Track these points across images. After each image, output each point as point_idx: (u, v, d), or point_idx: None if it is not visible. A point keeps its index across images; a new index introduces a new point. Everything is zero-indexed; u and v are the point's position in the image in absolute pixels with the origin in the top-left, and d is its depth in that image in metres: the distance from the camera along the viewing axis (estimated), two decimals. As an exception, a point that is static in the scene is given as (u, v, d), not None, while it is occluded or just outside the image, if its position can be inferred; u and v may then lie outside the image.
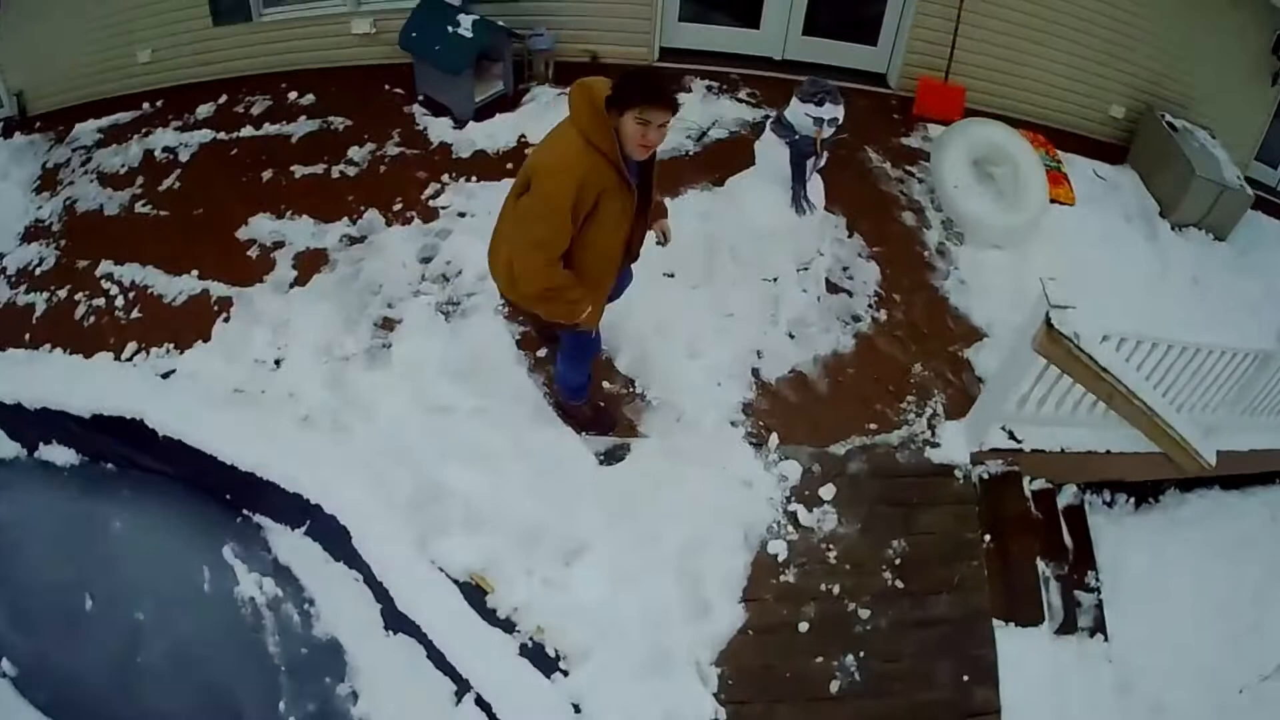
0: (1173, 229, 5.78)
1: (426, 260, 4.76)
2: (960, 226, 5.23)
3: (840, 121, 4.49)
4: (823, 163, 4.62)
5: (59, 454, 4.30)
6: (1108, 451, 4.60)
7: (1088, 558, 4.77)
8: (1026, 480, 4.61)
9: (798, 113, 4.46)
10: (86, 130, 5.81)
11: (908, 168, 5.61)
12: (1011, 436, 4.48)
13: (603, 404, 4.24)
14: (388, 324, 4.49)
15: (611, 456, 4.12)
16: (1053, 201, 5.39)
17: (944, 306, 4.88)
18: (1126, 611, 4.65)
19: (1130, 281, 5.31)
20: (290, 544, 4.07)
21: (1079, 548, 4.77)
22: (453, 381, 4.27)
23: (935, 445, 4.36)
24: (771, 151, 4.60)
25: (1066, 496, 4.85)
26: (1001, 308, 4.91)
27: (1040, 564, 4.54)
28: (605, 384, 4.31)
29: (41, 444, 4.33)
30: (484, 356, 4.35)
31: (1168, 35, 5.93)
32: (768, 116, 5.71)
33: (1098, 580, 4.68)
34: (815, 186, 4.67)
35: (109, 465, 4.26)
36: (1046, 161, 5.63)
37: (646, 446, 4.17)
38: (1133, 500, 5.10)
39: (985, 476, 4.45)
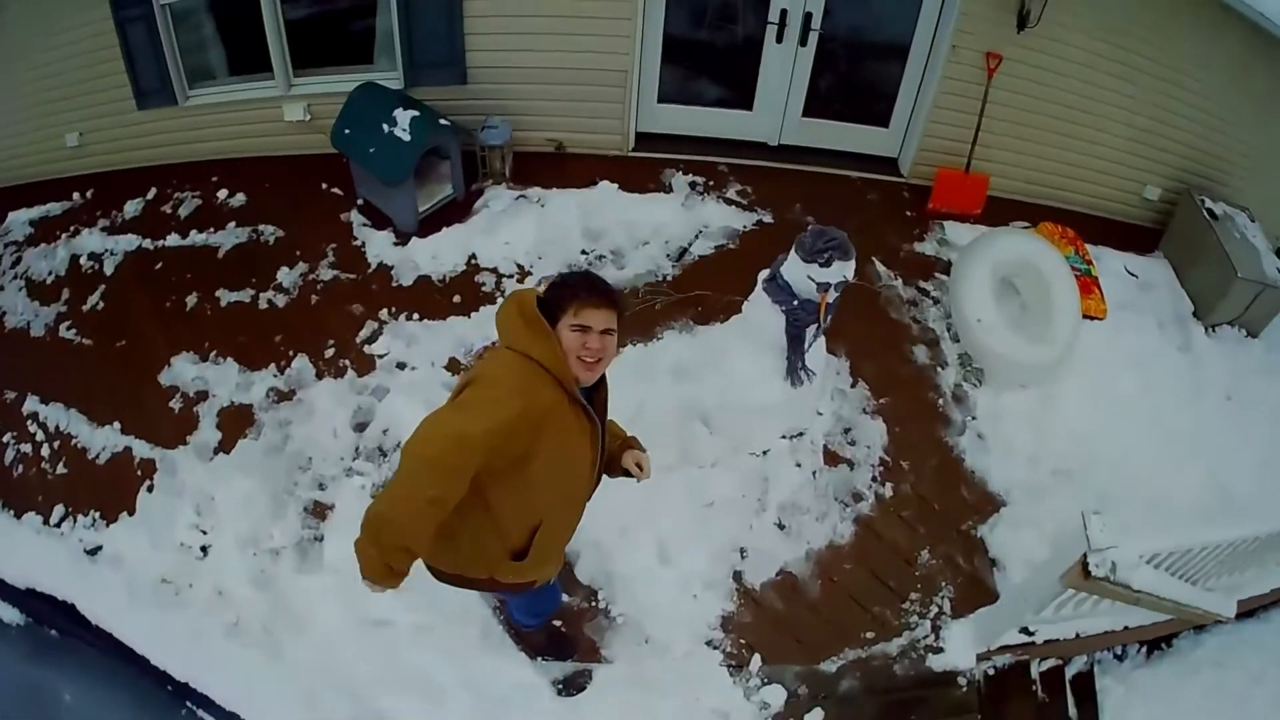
0: (1206, 331, 4.87)
1: (360, 428, 3.93)
2: (980, 362, 4.26)
3: (850, 279, 3.46)
4: (827, 324, 3.61)
5: (5, 611, 3.89)
6: (1125, 628, 3.87)
7: (1093, 728, 4.14)
8: (1035, 663, 3.89)
9: (798, 274, 3.39)
10: (18, 222, 5.21)
11: (921, 284, 4.58)
12: (1024, 631, 3.67)
13: (560, 625, 3.47)
14: (319, 510, 3.74)
15: (571, 685, 3.37)
16: (1084, 317, 4.40)
17: (958, 470, 3.99)
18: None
19: (1162, 405, 4.44)
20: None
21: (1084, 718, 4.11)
22: (391, 593, 3.53)
23: (938, 651, 3.58)
24: (763, 315, 3.57)
25: (1076, 666, 4.14)
26: (1022, 466, 4.06)
27: (1041, 755, 3.91)
28: (565, 597, 3.50)
29: (-14, 598, 3.93)
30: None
31: (1208, 109, 4.87)
32: (760, 222, 4.75)
33: (1100, 752, 4.03)
34: (816, 349, 3.68)
35: (53, 632, 3.83)
36: (1076, 263, 4.62)
37: (610, 674, 3.41)
38: (1144, 650, 4.39)
39: (990, 672, 3.71)
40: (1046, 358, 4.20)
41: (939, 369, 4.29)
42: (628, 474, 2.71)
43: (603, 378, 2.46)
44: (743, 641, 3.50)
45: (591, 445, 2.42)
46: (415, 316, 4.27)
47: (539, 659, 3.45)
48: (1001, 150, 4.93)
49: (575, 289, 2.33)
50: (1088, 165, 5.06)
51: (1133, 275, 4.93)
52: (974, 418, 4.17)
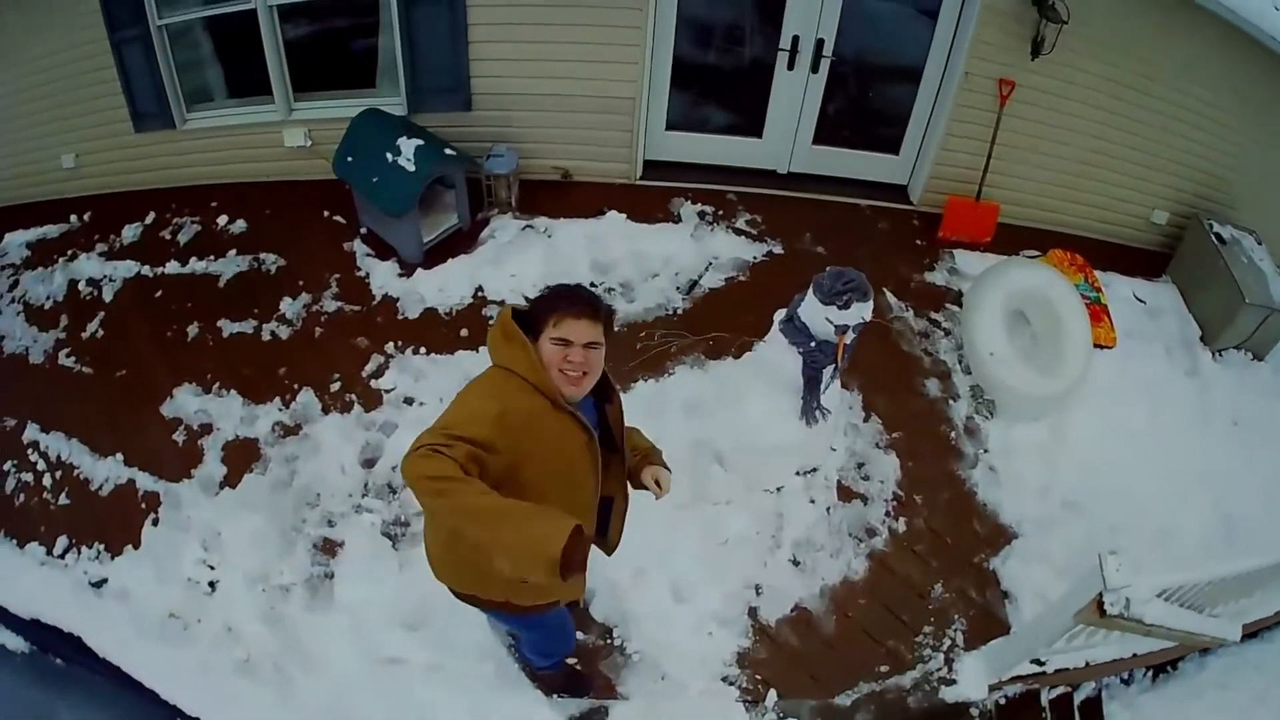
0: (1213, 356, 5.07)
1: (369, 464, 4.06)
2: (992, 394, 4.44)
3: (868, 320, 3.61)
4: (845, 365, 3.75)
5: (9, 639, 4.01)
6: (1133, 655, 4.07)
7: (1101, 754, 4.33)
8: (1045, 690, 4.06)
9: (816, 316, 3.52)
10: (14, 244, 5.34)
11: (933, 315, 4.76)
12: (1035, 661, 3.85)
13: (576, 664, 3.59)
14: (328, 547, 3.87)
15: (587, 723, 3.55)
16: (1094, 345, 4.59)
17: (970, 504, 4.16)
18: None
19: (1170, 433, 4.65)
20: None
21: (1092, 744, 4.33)
22: (403, 630, 3.67)
23: (951, 683, 3.74)
24: (778, 354, 3.73)
25: (1084, 691, 4.32)
26: (1032, 499, 4.24)
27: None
28: (579, 634, 3.63)
29: (-11, 625, 4.06)
30: (437, 601, 3.62)
31: (1217, 133, 5.08)
32: (770, 253, 4.93)
33: (1108, 779, 4.22)
34: (831, 387, 3.83)
35: (58, 660, 3.95)
36: (1085, 291, 4.82)
37: (626, 711, 3.54)
38: (1151, 674, 4.58)
39: (1001, 701, 3.88)
40: (1058, 390, 4.38)
41: (951, 401, 4.47)
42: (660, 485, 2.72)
43: (613, 389, 2.54)
44: (758, 677, 3.66)
45: (589, 455, 2.47)
46: (422, 350, 4.40)
47: (555, 696, 3.59)
48: (1012, 177, 5.11)
49: (555, 301, 2.36)
50: (1097, 191, 5.26)
51: (1141, 301, 5.13)
52: (986, 450, 4.34)
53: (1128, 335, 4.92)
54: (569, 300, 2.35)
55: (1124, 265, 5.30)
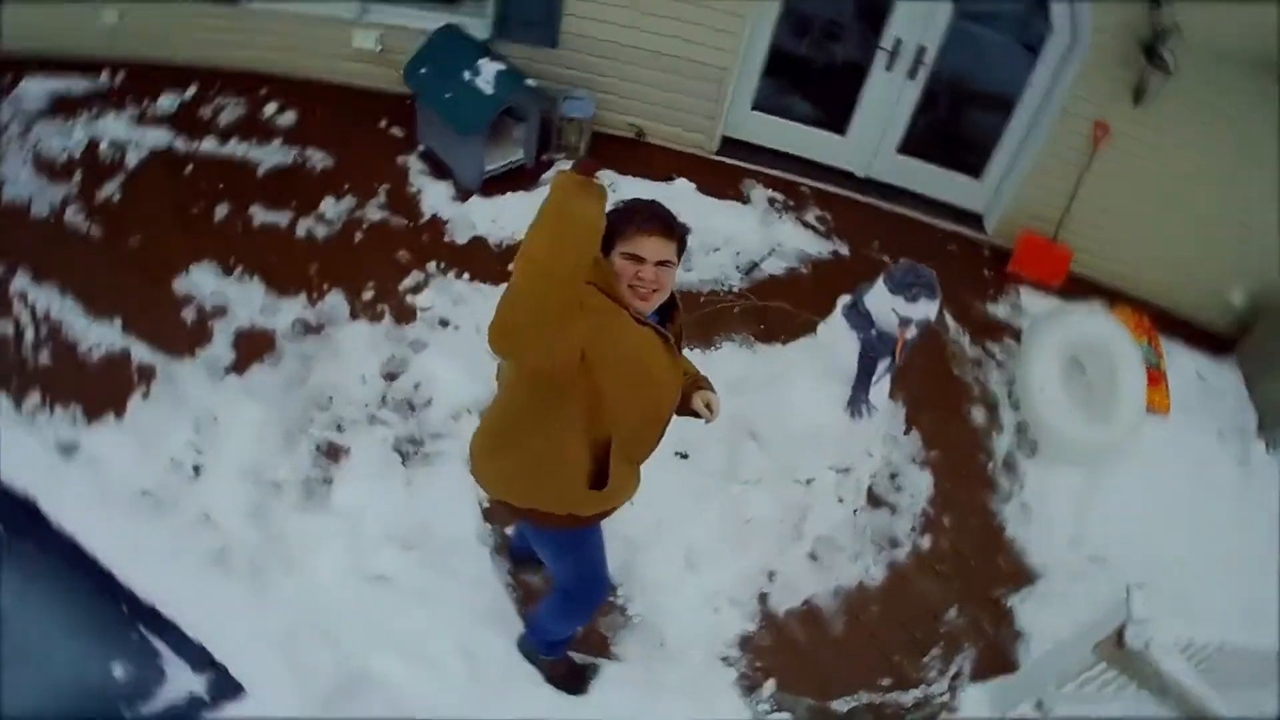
0: (1266, 448, 5.48)
1: (392, 377, 4.37)
2: (1035, 434, 4.86)
3: (932, 320, 4.03)
4: (901, 361, 4.15)
5: None
6: None
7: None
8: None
9: (882, 305, 3.95)
10: (33, 91, 5.45)
11: (989, 345, 5.22)
12: (1038, 707, 4.13)
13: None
14: (332, 453, 4.13)
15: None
16: (1147, 409, 5.05)
17: (998, 538, 4.54)
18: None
19: (1210, 516, 5.00)
20: (188, 681, 3.58)
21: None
22: (398, 549, 3.90)
23: (952, 710, 4.04)
24: (835, 341, 4.14)
25: None
26: (1061, 545, 4.61)
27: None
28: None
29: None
30: (441, 525, 3.98)
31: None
32: (835, 253, 5.39)
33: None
34: (880, 387, 4.24)
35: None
36: (1147, 356, 5.26)
37: (617, 672, 3.79)
38: None
39: (997, 743, 4.25)
40: (1104, 440, 4.81)
41: (994, 433, 4.90)
42: (696, 415, 3.02)
43: (676, 307, 2.77)
44: (758, 664, 3.94)
45: (669, 358, 2.69)
46: (466, 276, 4.75)
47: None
48: (1090, 226, 5.58)
49: (630, 215, 2.56)
50: (1177, 255, 5.68)
51: (1202, 379, 5.60)
52: (1022, 487, 4.75)
53: (1182, 409, 5.34)
54: (644, 216, 2.56)
55: (1190, 337, 5.76)
